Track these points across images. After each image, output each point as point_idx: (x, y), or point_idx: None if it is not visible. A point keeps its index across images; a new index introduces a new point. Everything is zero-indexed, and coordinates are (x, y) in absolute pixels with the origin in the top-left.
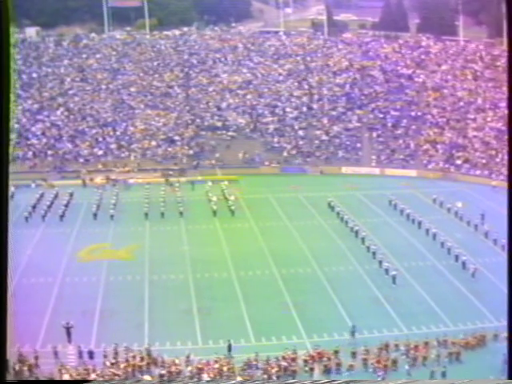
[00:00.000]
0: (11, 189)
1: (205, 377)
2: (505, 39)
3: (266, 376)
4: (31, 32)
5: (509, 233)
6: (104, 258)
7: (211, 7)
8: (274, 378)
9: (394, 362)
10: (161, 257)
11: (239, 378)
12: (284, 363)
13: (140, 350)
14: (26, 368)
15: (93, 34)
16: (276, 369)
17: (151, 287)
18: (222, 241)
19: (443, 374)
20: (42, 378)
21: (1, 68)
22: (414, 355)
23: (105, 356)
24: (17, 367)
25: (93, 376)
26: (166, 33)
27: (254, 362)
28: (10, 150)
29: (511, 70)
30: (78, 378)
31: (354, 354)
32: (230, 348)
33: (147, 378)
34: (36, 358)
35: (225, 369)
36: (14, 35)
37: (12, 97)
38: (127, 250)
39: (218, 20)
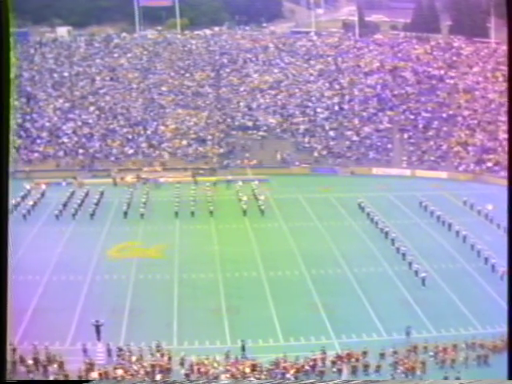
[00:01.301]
0: (42, 186)
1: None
2: (505, 39)
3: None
4: (62, 31)
5: (509, 232)
6: (134, 257)
7: (242, 7)
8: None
9: (423, 363)
10: (190, 256)
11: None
12: (312, 363)
13: (168, 349)
14: (56, 365)
15: (124, 34)
16: (303, 369)
17: (180, 286)
18: (252, 240)
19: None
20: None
21: (1, 68)
22: (442, 358)
23: (130, 354)
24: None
25: (119, 372)
26: (197, 32)
27: (282, 362)
28: (12, 151)
29: (511, 69)
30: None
31: (382, 356)
32: (243, 348)
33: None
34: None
35: (247, 370)
36: (14, 36)
37: (12, 96)
38: (157, 248)
39: (249, 20)
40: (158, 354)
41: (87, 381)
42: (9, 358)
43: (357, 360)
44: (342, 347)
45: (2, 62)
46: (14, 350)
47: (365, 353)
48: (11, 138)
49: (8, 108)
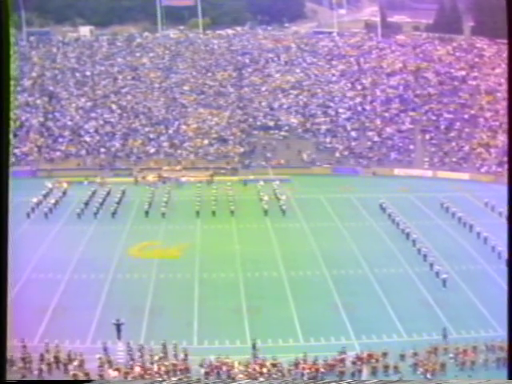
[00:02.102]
0: (64, 185)
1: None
2: (506, 39)
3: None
4: (85, 31)
5: (509, 231)
6: (155, 256)
7: (264, 7)
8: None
9: (443, 365)
10: (211, 255)
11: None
12: (332, 363)
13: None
14: (76, 363)
15: (146, 33)
16: (323, 369)
17: (201, 285)
18: (273, 240)
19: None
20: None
21: (1, 68)
22: (462, 359)
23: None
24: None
25: (137, 369)
26: (219, 32)
27: (302, 362)
28: (9, 150)
29: (511, 69)
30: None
31: (402, 357)
32: (254, 347)
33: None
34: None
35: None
36: (14, 36)
37: (13, 96)
38: (178, 247)
39: (271, 20)
40: (179, 354)
41: (87, 381)
42: (19, 355)
43: (376, 361)
44: (361, 348)
45: (1, 62)
46: (22, 347)
47: (385, 354)
48: (11, 138)
49: (8, 108)
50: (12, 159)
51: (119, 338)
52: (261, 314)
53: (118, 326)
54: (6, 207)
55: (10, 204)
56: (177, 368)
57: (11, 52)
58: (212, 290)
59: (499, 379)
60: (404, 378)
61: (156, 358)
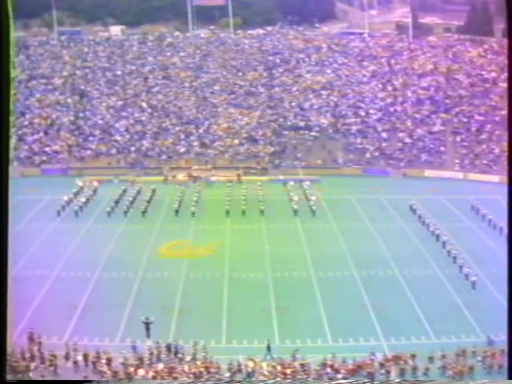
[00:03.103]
0: (94, 183)
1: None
2: (506, 39)
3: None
4: (116, 30)
5: (509, 233)
6: (184, 255)
7: (295, 8)
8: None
9: (471, 368)
10: (241, 255)
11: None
12: (361, 364)
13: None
14: (104, 361)
15: (177, 33)
16: (352, 369)
17: (230, 285)
18: (303, 241)
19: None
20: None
21: (1, 68)
22: (490, 362)
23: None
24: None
25: (160, 366)
26: (249, 32)
27: (330, 363)
28: (9, 150)
29: (511, 69)
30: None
31: (431, 359)
32: (269, 348)
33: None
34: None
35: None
36: (14, 35)
37: (12, 96)
38: (208, 247)
39: (301, 20)
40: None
41: (87, 381)
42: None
43: (405, 362)
44: (390, 349)
45: (1, 62)
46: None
47: (413, 355)
48: (11, 138)
49: (8, 108)
50: (43, 157)
51: (148, 336)
52: (290, 314)
53: (147, 325)
54: (6, 206)
55: (10, 203)
56: (203, 368)
57: (11, 52)
58: (241, 290)
59: (499, 379)
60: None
61: (188, 358)
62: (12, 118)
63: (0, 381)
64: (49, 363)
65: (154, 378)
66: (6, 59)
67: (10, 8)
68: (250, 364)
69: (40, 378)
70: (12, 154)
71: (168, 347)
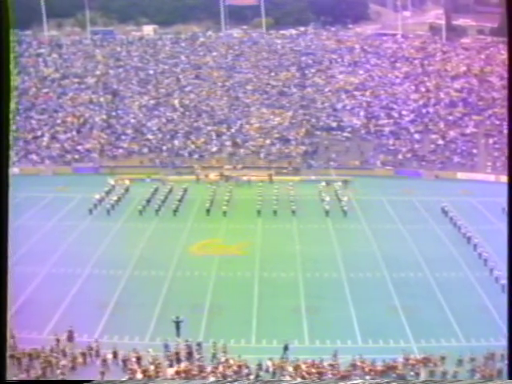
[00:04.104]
0: (126, 182)
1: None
2: (506, 39)
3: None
4: (149, 30)
5: (509, 231)
6: (215, 254)
7: (328, 8)
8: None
9: (500, 371)
10: (272, 254)
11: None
12: (390, 366)
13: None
14: (134, 359)
15: (209, 32)
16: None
17: (261, 284)
18: (334, 241)
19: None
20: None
21: (1, 68)
22: None
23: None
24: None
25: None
26: (282, 32)
27: (359, 364)
28: (9, 150)
29: (511, 69)
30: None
31: (460, 362)
32: (286, 348)
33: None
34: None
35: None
36: (14, 36)
37: (13, 96)
38: (239, 246)
39: (334, 21)
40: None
41: (87, 381)
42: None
43: (435, 365)
44: (420, 351)
45: (1, 62)
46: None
47: (443, 358)
48: (11, 138)
49: (8, 108)
50: (75, 156)
51: (178, 335)
52: (320, 315)
53: (178, 324)
54: (6, 205)
55: (10, 202)
56: (231, 367)
57: (11, 52)
58: (272, 289)
59: (499, 379)
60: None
61: (222, 358)
62: (12, 115)
63: (0, 381)
64: (81, 361)
65: (183, 377)
66: (6, 59)
67: (9, 8)
68: (275, 363)
69: (40, 378)
70: (44, 152)
71: (189, 346)
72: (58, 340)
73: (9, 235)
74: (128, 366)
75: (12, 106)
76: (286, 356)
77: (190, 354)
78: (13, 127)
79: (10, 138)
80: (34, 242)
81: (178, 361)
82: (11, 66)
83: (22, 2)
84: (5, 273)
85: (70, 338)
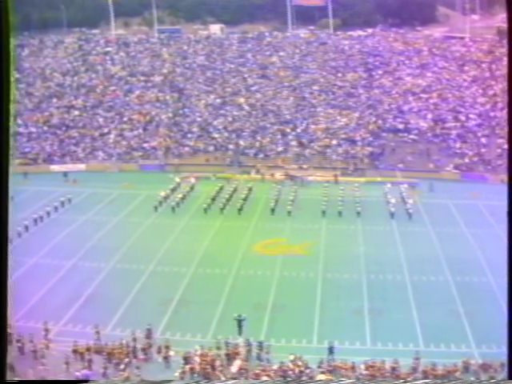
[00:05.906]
0: (191, 180)
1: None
2: (506, 39)
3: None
4: (215, 29)
5: (509, 233)
6: (279, 253)
7: (396, 10)
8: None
9: None
10: (336, 255)
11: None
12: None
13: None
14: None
15: (276, 32)
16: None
17: (324, 285)
18: (398, 243)
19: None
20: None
21: (1, 69)
22: None
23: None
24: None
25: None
26: (349, 33)
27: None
28: (9, 150)
29: (511, 68)
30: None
31: None
32: (331, 350)
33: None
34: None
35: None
36: (15, 37)
37: (13, 96)
38: (303, 246)
39: (402, 23)
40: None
41: (87, 381)
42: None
43: (495, 371)
44: (481, 357)
45: (1, 62)
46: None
47: (502, 365)
48: (11, 139)
49: (8, 108)
50: (141, 153)
51: (240, 333)
52: (382, 317)
53: (240, 322)
54: (6, 204)
55: (10, 202)
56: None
57: (11, 52)
58: (335, 291)
59: (499, 379)
60: None
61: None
62: (12, 116)
63: (0, 381)
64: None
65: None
66: (6, 59)
67: (9, 10)
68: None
69: (40, 378)
70: (111, 149)
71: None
72: (134, 339)
73: (9, 235)
74: (189, 363)
75: (12, 107)
76: (331, 357)
77: (249, 353)
78: (13, 129)
79: (10, 139)
80: (99, 238)
81: (237, 359)
82: (11, 68)
83: (90, 1)
84: (5, 275)
85: (149, 336)
